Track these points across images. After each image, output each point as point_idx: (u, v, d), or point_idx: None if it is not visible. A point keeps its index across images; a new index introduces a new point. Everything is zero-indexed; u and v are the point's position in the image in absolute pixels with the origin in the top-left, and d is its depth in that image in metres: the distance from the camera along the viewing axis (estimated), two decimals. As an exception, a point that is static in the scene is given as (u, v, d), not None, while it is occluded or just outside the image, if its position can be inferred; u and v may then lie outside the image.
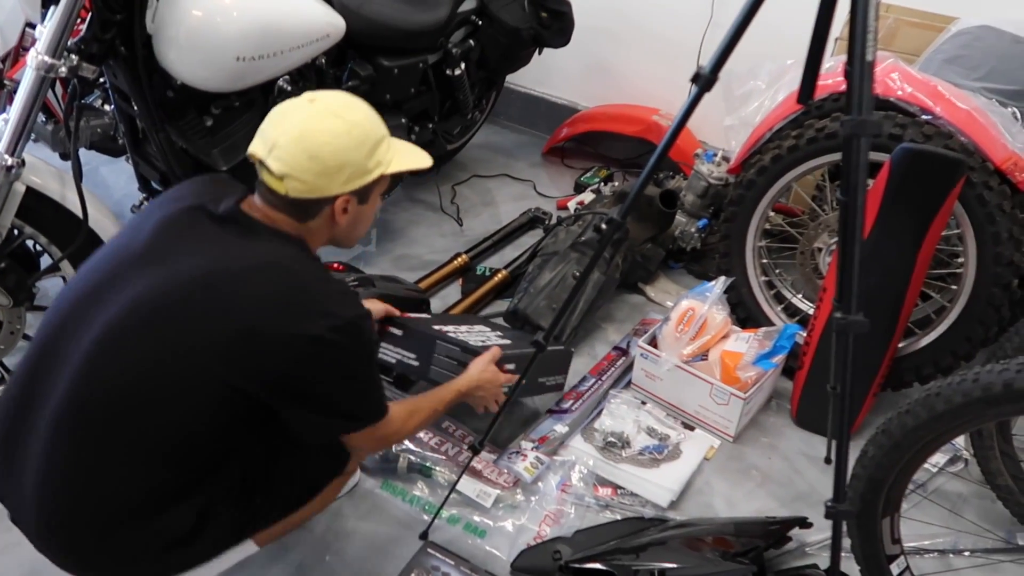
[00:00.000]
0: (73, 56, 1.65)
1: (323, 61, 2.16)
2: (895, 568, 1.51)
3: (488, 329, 1.96)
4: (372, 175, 1.30)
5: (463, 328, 1.88)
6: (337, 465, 1.49)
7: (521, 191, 3.09)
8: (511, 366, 1.76)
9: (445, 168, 3.09)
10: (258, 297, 1.19)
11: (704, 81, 1.30)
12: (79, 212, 1.75)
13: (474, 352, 1.73)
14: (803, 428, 2.09)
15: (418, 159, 1.40)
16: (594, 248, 2.25)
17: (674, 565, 1.58)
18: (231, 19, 1.82)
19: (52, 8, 1.61)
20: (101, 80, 1.94)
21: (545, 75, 3.32)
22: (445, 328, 1.82)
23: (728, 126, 2.40)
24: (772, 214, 2.26)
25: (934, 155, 1.79)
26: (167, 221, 1.28)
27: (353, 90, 2.28)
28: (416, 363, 1.78)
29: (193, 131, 1.97)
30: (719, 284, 2.09)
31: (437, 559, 1.59)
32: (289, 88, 2.07)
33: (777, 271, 2.32)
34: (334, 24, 2.09)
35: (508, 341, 1.88)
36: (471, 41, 2.63)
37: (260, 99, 2.08)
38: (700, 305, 2.05)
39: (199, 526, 1.26)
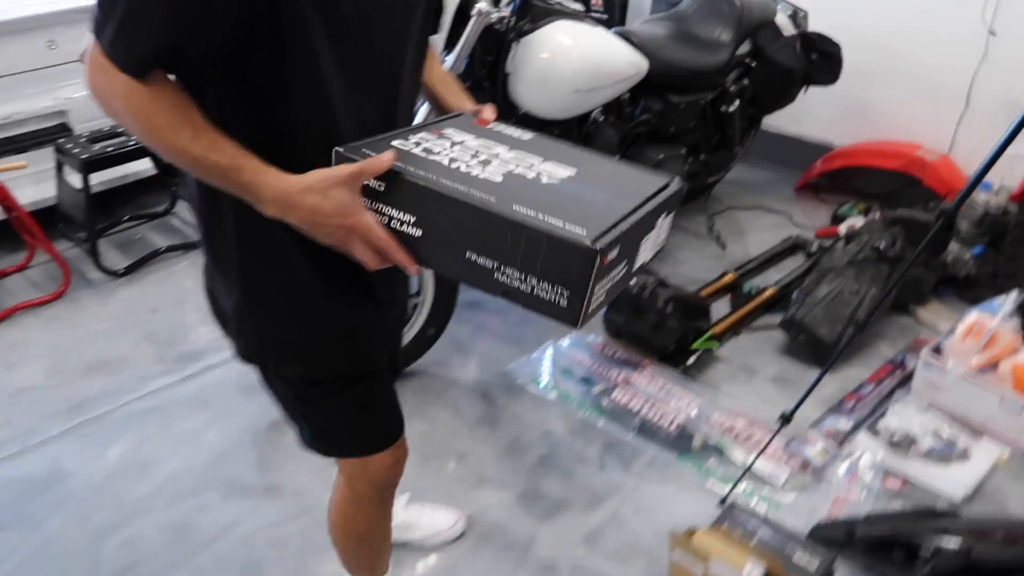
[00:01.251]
0: None
1: (627, 96, 2.51)
2: None
3: (552, 169, 0.96)
4: None
5: (496, 142, 1.01)
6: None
7: (777, 222, 3.27)
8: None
9: (701, 201, 3.34)
10: None
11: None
12: None
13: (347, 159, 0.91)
14: (1100, 450, 2.07)
15: None
16: (872, 265, 2.39)
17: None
18: (571, 58, 2.21)
19: (448, 52, 2.07)
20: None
21: (798, 113, 3.48)
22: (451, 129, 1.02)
23: (1014, 155, 2.44)
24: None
25: None
26: None
27: (644, 123, 2.62)
28: None
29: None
30: (1010, 299, 2.15)
31: (745, 514, 1.78)
32: (601, 118, 2.43)
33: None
34: (641, 64, 2.45)
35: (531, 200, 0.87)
36: (745, 80, 2.90)
37: (575, 128, 2.45)
38: (989, 319, 2.12)
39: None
